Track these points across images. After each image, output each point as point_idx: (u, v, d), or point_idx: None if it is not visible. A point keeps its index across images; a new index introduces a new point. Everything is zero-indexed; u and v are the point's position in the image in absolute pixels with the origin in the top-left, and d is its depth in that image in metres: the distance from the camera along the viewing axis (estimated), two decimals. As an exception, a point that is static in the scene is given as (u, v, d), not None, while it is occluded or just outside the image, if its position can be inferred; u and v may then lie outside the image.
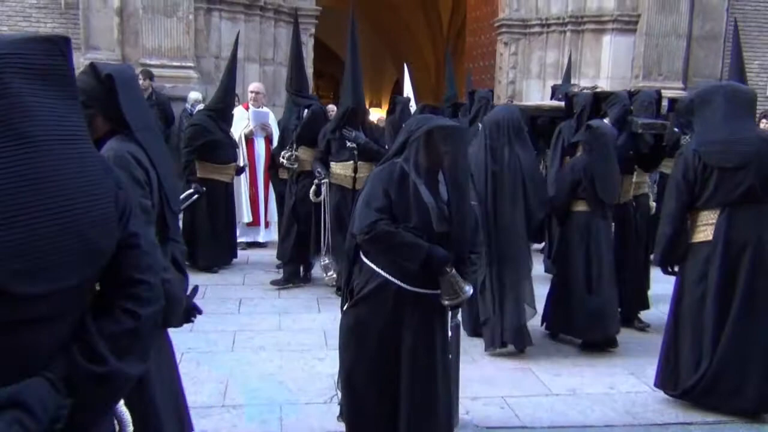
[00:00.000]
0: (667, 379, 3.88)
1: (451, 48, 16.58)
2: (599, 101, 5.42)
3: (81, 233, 1.29)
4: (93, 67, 2.20)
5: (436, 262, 2.75)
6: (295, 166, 6.12)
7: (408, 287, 2.80)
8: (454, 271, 2.79)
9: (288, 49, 11.00)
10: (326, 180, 5.79)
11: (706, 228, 3.71)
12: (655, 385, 3.98)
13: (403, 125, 3.13)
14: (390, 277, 2.80)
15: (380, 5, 19.78)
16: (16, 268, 1.19)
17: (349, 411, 3.00)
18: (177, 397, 2.40)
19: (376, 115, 16.32)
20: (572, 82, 9.00)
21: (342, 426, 3.22)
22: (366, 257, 2.90)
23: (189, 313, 2.43)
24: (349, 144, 5.70)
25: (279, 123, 7.23)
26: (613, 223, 4.88)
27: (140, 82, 9.10)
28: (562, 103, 6.15)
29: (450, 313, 3.04)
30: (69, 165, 1.30)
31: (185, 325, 4.86)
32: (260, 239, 7.78)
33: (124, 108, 2.15)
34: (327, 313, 5.36)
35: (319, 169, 5.80)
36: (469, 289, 2.83)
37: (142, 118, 2.24)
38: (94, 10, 10.08)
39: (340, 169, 5.81)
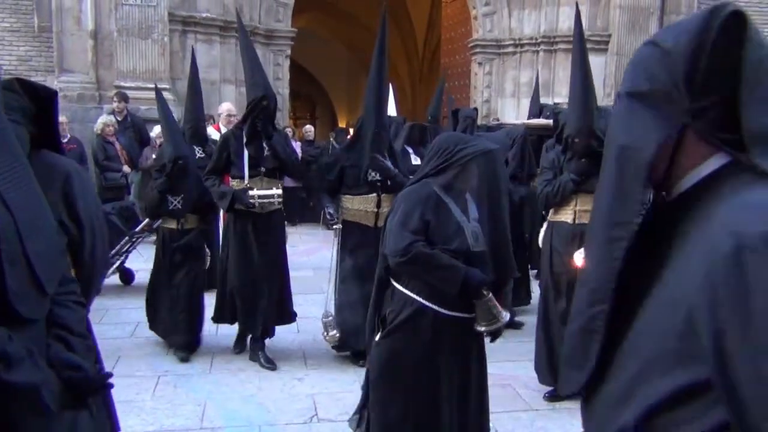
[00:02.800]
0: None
1: (426, 68, 16.72)
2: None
3: (54, 241, 1.60)
4: (24, 83, 2.00)
5: (474, 284, 2.63)
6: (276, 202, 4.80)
7: (446, 312, 2.68)
8: (491, 294, 2.67)
9: (266, 70, 11.09)
10: (339, 225, 4.80)
11: None
12: None
13: (434, 144, 2.94)
14: (426, 303, 2.69)
15: (356, 26, 19.96)
16: (47, 275, 1.50)
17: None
18: None
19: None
20: (544, 100, 9.13)
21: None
22: (398, 283, 2.77)
23: None
24: (371, 176, 4.66)
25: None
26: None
27: (115, 104, 9.11)
28: (550, 121, 6.13)
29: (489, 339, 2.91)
30: (35, 183, 1.57)
31: (162, 348, 4.86)
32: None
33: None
34: (306, 334, 5.33)
35: (330, 210, 4.81)
36: (506, 315, 2.73)
37: None
38: (68, 33, 10.05)
39: (359, 203, 4.72)
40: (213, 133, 7.55)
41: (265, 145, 4.68)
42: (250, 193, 4.63)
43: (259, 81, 4.68)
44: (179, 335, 4.85)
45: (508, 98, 12.55)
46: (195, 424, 3.80)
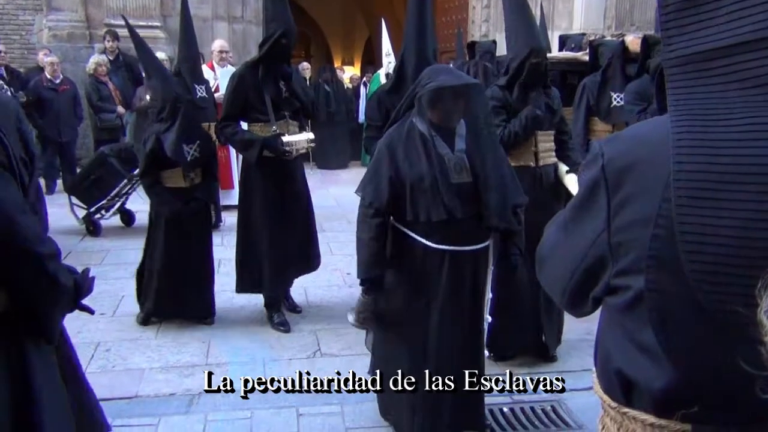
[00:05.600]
0: None
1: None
2: (650, 48, 4.61)
3: None
4: None
5: (365, 282, 2.85)
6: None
7: (432, 245, 2.73)
8: (365, 298, 2.87)
9: (258, 6, 10.82)
10: None
11: None
12: None
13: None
14: (416, 236, 2.75)
15: (350, -41, 19.39)
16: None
17: (379, 364, 3.03)
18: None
19: (349, 73, 16.15)
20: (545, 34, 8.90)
21: (324, 374, 3.29)
22: (393, 218, 2.83)
23: None
24: None
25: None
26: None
27: (107, 43, 8.93)
28: (577, 54, 5.63)
29: (491, 272, 2.94)
30: None
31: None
32: (235, 202, 7.67)
33: None
34: (306, 271, 5.39)
35: None
36: (350, 320, 2.95)
37: None
38: (55, -31, 9.75)
39: None
40: (205, 71, 7.42)
41: (282, 87, 4.22)
42: (283, 139, 4.13)
43: (280, 14, 4.11)
44: (202, 307, 4.37)
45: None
46: (200, 360, 3.88)
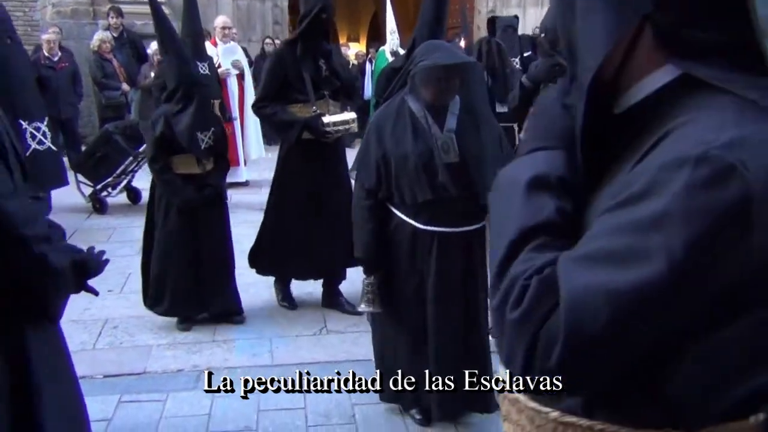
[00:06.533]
0: None
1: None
2: None
3: None
4: None
5: (360, 260, 2.88)
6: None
7: (421, 226, 2.74)
8: (370, 280, 2.85)
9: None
10: None
11: None
12: None
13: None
14: (405, 218, 2.76)
15: (355, -66, 19.15)
16: None
17: (378, 339, 3.05)
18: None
19: (355, 49, 16.02)
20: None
21: (331, 356, 3.28)
22: (386, 201, 2.83)
23: None
24: None
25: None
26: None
27: (111, 20, 8.88)
28: None
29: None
30: None
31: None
32: (242, 179, 7.71)
33: None
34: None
35: None
36: (362, 307, 2.94)
37: None
38: (57, -56, 9.68)
39: None
40: (208, 47, 7.39)
41: (322, 65, 4.04)
42: (324, 120, 3.97)
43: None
44: (226, 303, 4.08)
45: (513, 8, 12.15)
46: (207, 337, 3.90)
